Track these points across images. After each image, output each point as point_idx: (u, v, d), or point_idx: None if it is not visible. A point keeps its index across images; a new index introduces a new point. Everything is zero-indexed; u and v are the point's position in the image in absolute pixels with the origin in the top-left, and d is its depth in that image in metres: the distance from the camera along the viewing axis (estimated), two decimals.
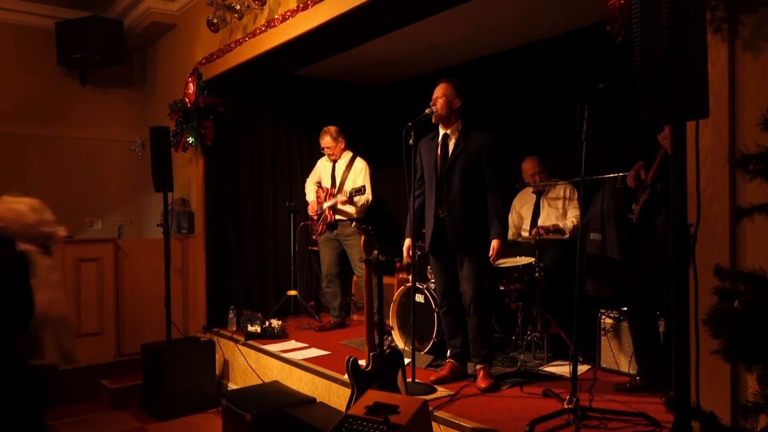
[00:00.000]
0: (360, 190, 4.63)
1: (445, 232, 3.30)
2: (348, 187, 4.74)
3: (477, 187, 3.27)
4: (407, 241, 3.48)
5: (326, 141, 4.88)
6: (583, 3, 3.66)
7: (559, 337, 3.76)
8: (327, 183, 4.97)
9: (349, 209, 4.78)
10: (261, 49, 4.36)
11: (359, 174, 4.81)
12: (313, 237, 5.14)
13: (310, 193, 5.08)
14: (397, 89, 5.98)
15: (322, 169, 5.09)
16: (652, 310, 3.15)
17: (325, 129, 4.91)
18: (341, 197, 4.71)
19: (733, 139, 2.18)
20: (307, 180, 5.19)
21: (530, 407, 2.91)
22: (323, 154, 5.04)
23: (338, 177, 4.88)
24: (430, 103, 3.32)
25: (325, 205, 4.87)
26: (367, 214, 4.89)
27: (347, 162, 4.89)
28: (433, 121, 3.33)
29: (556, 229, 4.02)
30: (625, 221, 3.39)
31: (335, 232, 4.85)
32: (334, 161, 4.97)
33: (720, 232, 2.18)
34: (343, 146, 4.93)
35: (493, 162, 3.26)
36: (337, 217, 4.84)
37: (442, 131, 3.39)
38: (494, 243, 3.22)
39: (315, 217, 4.98)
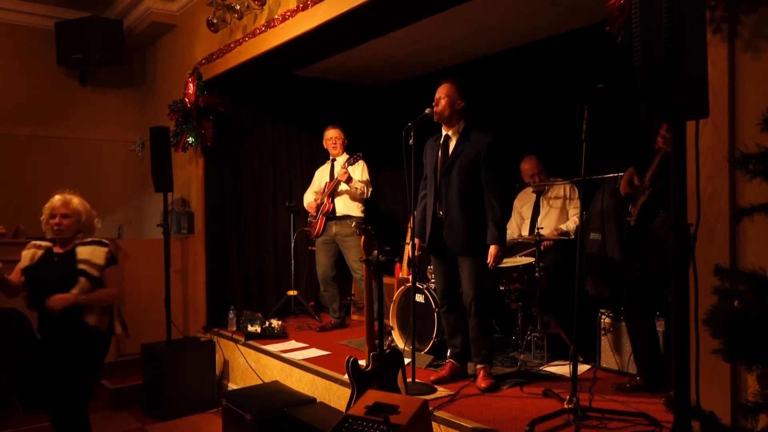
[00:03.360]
0: (355, 158, 4.69)
1: (444, 232, 3.30)
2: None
3: (476, 188, 3.27)
4: (416, 241, 3.47)
5: (334, 132, 4.96)
6: (583, 3, 3.66)
7: (559, 337, 3.76)
8: (326, 180, 4.98)
9: (351, 192, 4.77)
10: (261, 49, 4.36)
11: (357, 168, 4.82)
12: (312, 237, 5.12)
13: (308, 197, 5.10)
14: (397, 89, 5.98)
15: (320, 175, 5.12)
16: (650, 311, 3.15)
17: (332, 124, 5.03)
18: (340, 171, 4.70)
19: (733, 139, 2.18)
20: (306, 191, 5.19)
21: (530, 407, 2.91)
22: (321, 157, 5.05)
23: (337, 172, 4.86)
24: (433, 103, 3.32)
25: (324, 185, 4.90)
26: (367, 212, 4.90)
27: (344, 160, 4.89)
28: (435, 120, 3.33)
29: (561, 233, 4.02)
30: (625, 221, 3.39)
31: (333, 231, 4.84)
32: (333, 161, 4.99)
33: (720, 232, 2.18)
34: (345, 144, 4.99)
35: (491, 164, 3.25)
36: (339, 212, 4.82)
37: (444, 132, 3.39)
38: (492, 249, 3.21)
39: (314, 213, 4.97)
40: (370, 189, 4.84)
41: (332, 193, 4.85)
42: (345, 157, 4.93)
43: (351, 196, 4.82)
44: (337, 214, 4.84)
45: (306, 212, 5.22)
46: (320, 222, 4.89)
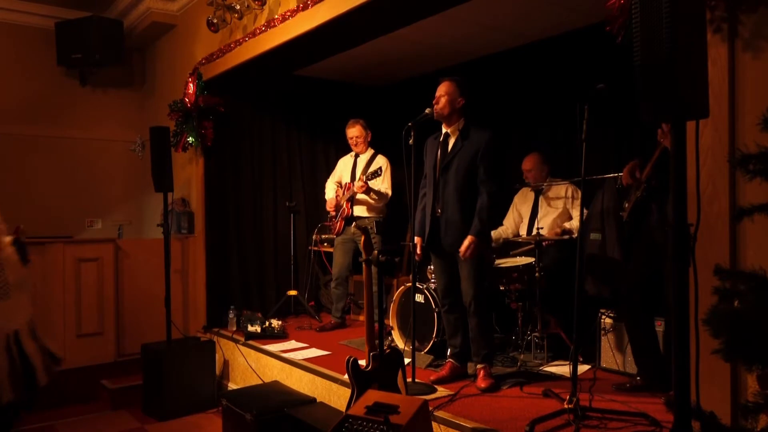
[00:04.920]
0: (376, 173, 4.61)
1: (441, 230, 3.30)
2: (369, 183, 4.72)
3: (474, 186, 3.27)
4: (417, 239, 3.45)
5: (355, 130, 4.85)
6: (583, 3, 3.66)
7: (559, 337, 3.76)
8: (347, 179, 4.94)
9: (369, 201, 4.75)
10: (261, 49, 4.36)
11: (377, 180, 4.75)
12: (331, 235, 5.09)
13: (330, 191, 5.07)
14: (397, 89, 5.98)
15: (342, 167, 5.07)
16: (649, 311, 3.15)
17: (354, 119, 4.90)
18: (358, 183, 4.65)
19: (733, 139, 2.18)
20: (328, 180, 5.16)
21: (530, 407, 2.91)
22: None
23: (359, 172, 4.82)
24: (433, 102, 3.32)
25: (343, 199, 4.86)
26: (386, 213, 4.88)
27: (368, 158, 4.86)
28: (435, 118, 3.33)
29: (564, 231, 4.02)
30: (626, 222, 3.39)
31: (353, 230, 4.82)
32: (356, 157, 4.95)
33: (720, 232, 2.18)
34: (369, 140, 4.91)
35: (486, 160, 3.25)
36: (357, 213, 4.81)
37: (444, 130, 3.39)
38: (468, 238, 3.17)
39: (333, 213, 4.97)
40: (389, 196, 4.78)
41: (351, 198, 4.84)
42: (369, 153, 4.88)
43: (368, 207, 4.81)
44: (356, 215, 4.83)
45: (307, 212, 5.21)
46: (340, 224, 4.89)
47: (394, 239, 5.23)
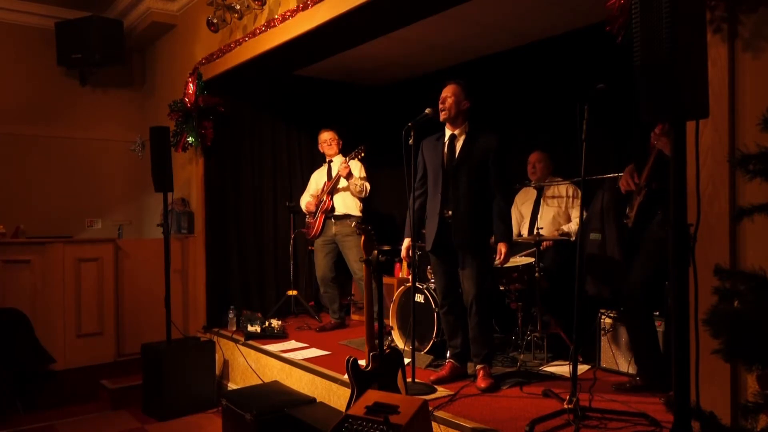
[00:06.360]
0: (358, 152, 4.68)
1: (450, 231, 3.30)
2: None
3: (483, 187, 3.29)
4: (406, 241, 3.48)
5: (328, 134, 4.95)
6: (583, 3, 3.66)
7: (559, 337, 3.75)
8: (324, 182, 4.98)
9: (351, 189, 4.78)
10: (261, 49, 4.36)
11: (354, 168, 4.82)
12: (309, 237, 5.12)
13: (306, 200, 5.09)
14: (397, 89, 5.98)
15: (317, 177, 5.11)
16: (649, 311, 3.15)
17: (324, 128, 5.02)
18: (342, 165, 4.69)
19: (733, 139, 2.18)
20: (303, 194, 5.19)
21: (530, 407, 2.91)
22: (321, 157, 5.06)
23: (334, 173, 4.87)
24: (439, 103, 3.32)
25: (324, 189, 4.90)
26: (365, 212, 4.90)
27: (341, 160, 4.89)
28: (441, 119, 3.33)
29: (562, 234, 4.02)
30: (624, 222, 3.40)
31: (333, 231, 4.84)
32: (330, 163, 4.99)
33: (720, 232, 2.18)
34: (341, 146, 4.99)
35: (499, 164, 3.28)
36: (338, 210, 4.82)
37: (449, 132, 3.39)
38: (501, 246, 3.23)
39: (312, 211, 4.96)
40: (368, 187, 4.84)
41: (332, 190, 4.85)
42: (341, 158, 4.93)
43: (351, 193, 4.82)
44: (336, 213, 4.83)
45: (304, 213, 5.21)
46: (319, 220, 4.88)
47: (394, 239, 5.23)
